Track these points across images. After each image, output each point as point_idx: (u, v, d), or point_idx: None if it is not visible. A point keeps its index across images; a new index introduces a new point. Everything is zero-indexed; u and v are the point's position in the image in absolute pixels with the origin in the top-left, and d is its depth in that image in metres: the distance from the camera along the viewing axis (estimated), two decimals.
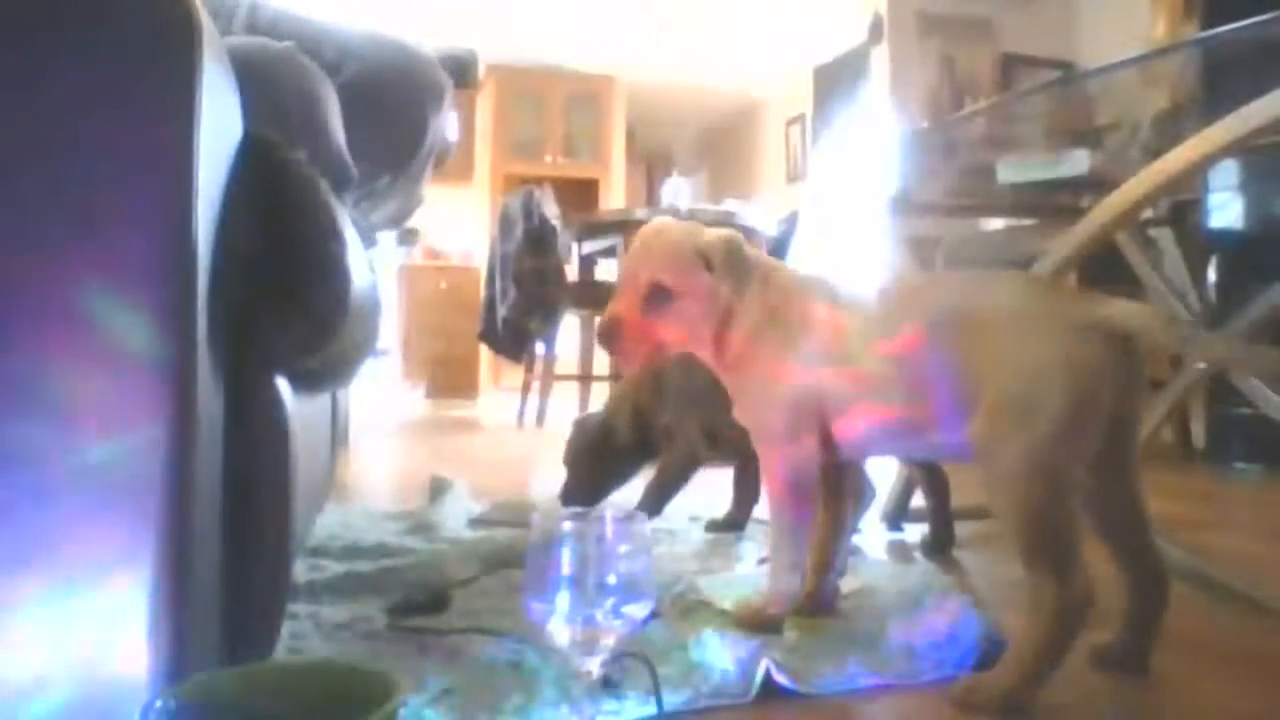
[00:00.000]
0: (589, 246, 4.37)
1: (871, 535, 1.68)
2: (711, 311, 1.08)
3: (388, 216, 1.43)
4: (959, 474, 2.79)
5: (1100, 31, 3.84)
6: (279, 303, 0.71)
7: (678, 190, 4.43)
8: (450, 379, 6.16)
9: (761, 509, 1.52)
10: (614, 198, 6.51)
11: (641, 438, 1.67)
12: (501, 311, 3.94)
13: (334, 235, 0.77)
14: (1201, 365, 1.82)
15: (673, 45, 6.18)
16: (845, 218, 5.94)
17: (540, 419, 4.04)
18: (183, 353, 0.57)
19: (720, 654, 0.90)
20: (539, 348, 4.17)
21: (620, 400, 1.70)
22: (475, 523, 1.69)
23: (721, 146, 8.03)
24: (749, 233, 4.18)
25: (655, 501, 1.66)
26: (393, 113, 1.23)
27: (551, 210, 3.90)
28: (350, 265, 0.78)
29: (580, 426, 1.73)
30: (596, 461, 1.68)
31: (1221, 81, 1.60)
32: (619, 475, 1.71)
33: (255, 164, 0.72)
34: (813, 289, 1.10)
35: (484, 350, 5.45)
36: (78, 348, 0.55)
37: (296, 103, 0.95)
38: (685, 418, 1.63)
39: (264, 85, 0.83)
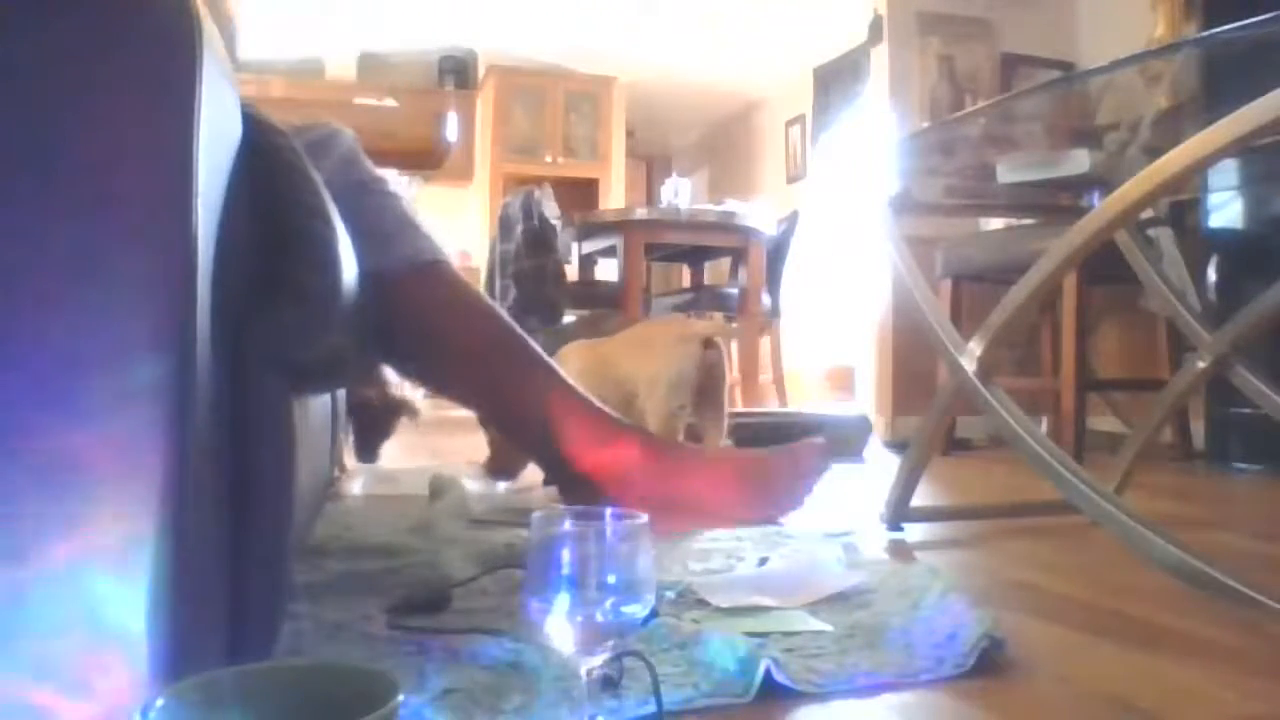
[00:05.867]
0: (589, 246, 4.37)
1: (871, 535, 1.68)
2: None
3: None
4: (960, 473, 2.79)
5: (1100, 31, 3.83)
6: (270, 289, 0.71)
7: (678, 190, 4.43)
8: None
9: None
10: (614, 198, 6.51)
11: None
12: None
13: (320, 216, 0.76)
14: (1201, 365, 1.82)
15: (673, 45, 6.18)
16: (845, 218, 5.94)
17: None
18: (183, 354, 0.57)
19: (720, 654, 0.90)
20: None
21: None
22: (475, 523, 1.69)
23: (721, 146, 8.03)
24: (749, 232, 4.18)
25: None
26: None
27: (551, 210, 3.90)
28: (341, 249, 0.77)
29: None
30: None
31: (1221, 81, 1.60)
32: None
33: (252, 156, 0.72)
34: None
35: None
36: (78, 347, 0.55)
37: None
38: None
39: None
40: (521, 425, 1.19)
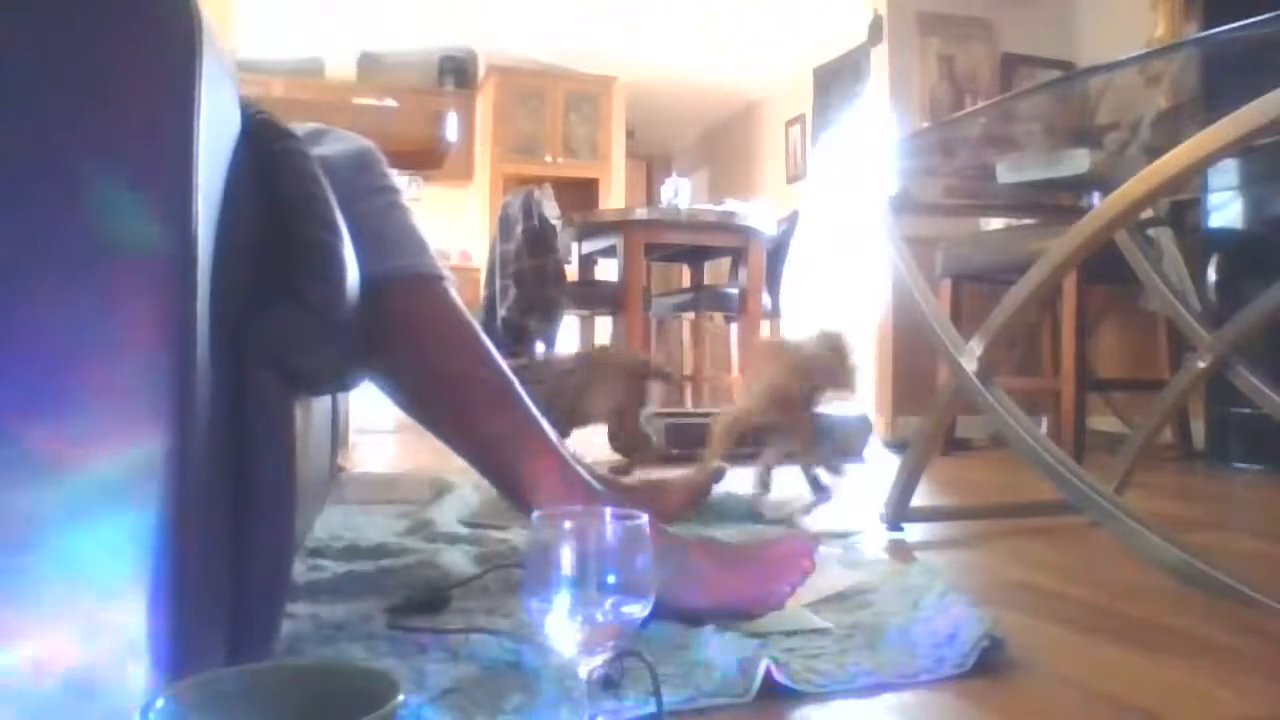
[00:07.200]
0: (589, 246, 4.37)
1: (871, 535, 1.68)
2: None
3: None
4: (960, 473, 2.79)
5: (1100, 31, 3.83)
6: (275, 296, 0.71)
7: (678, 190, 4.43)
8: None
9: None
10: (614, 198, 6.51)
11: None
12: (501, 311, 3.94)
13: (330, 227, 0.76)
14: (1201, 365, 1.82)
15: (673, 45, 6.18)
16: (845, 218, 5.94)
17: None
18: (183, 351, 0.57)
19: (720, 654, 0.90)
20: (539, 347, 4.17)
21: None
22: (475, 523, 1.69)
23: (721, 146, 8.02)
24: (749, 232, 4.18)
25: None
26: None
27: (551, 210, 3.90)
28: (347, 259, 0.77)
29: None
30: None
31: (1221, 81, 1.60)
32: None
33: (254, 157, 0.72)
34: None
35: None
36: (78, 345, 0.55)
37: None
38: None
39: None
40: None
